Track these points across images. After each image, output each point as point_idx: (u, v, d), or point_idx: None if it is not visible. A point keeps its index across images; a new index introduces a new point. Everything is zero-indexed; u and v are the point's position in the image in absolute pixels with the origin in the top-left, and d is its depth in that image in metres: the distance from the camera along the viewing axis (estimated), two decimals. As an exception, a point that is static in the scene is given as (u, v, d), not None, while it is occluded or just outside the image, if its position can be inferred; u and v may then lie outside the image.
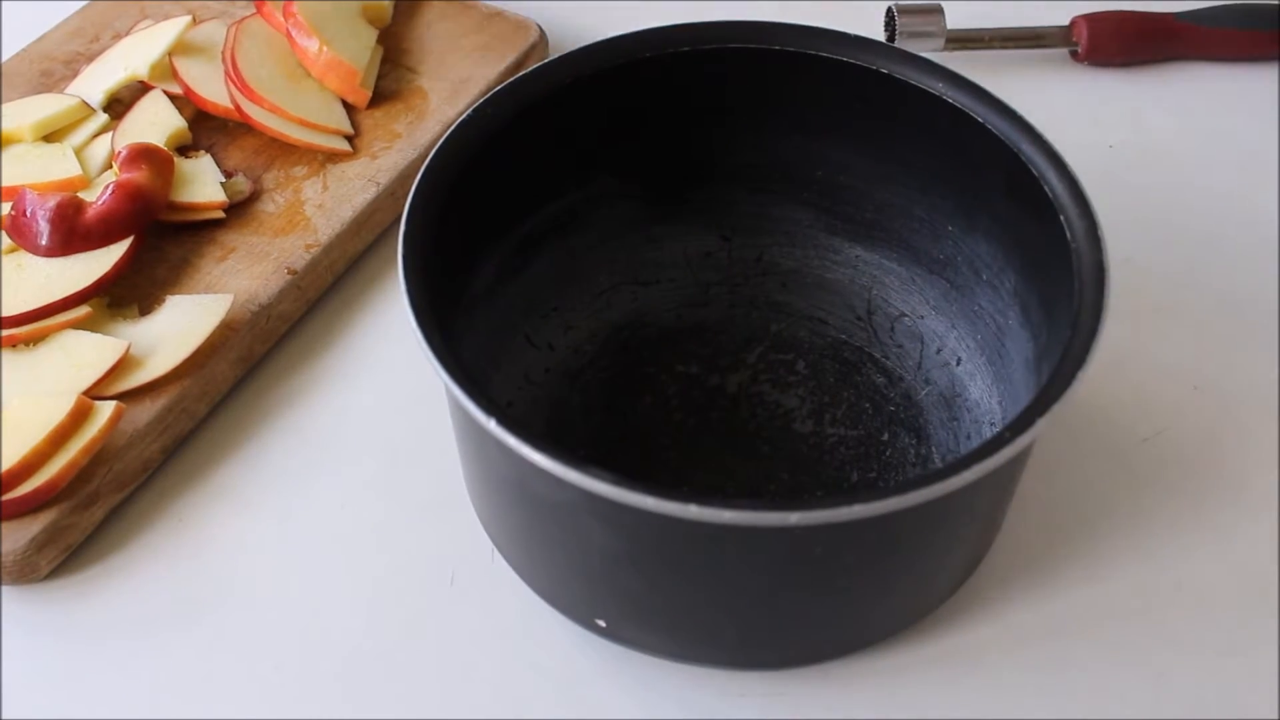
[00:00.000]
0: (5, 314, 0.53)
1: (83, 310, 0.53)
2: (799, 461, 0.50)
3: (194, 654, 0.48)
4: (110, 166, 0.59)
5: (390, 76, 0.66)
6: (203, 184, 0.59)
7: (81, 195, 0.57)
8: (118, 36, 0.67)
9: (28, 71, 0.65)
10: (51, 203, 0.55)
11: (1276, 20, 0.70)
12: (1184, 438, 0.54)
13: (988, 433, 0.50)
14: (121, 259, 0.55)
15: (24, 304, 0.53)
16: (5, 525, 0.48)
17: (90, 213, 0.55)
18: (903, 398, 0.52)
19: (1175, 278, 0.60)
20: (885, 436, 0.51)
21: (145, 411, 0.52)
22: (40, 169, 0.59)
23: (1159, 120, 0.68)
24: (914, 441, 0.51)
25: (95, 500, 0.50)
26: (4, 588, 0.49)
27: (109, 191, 0.56)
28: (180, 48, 0.63)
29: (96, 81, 0.63)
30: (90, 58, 0.66)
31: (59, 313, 0.53)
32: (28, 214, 0.55)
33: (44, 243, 0.54)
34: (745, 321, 0.55)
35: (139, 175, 0.56)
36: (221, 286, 0.56)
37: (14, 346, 0.53)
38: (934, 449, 0.50)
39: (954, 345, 0.53)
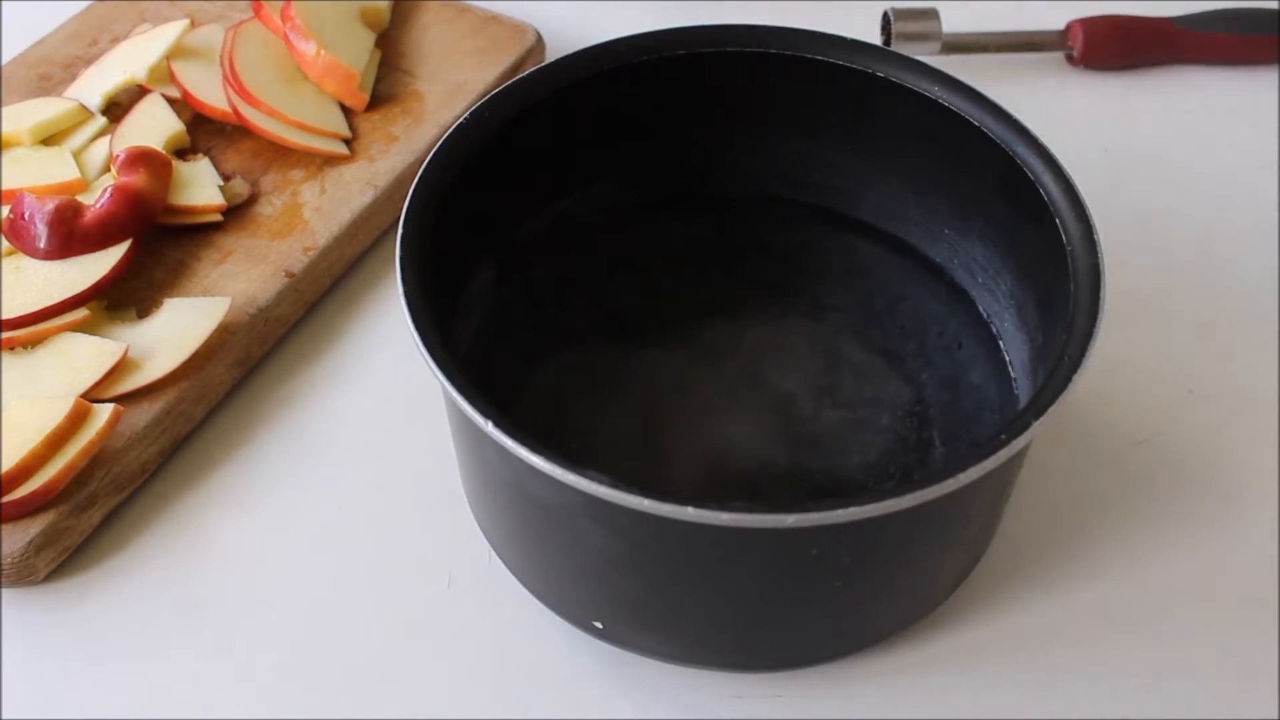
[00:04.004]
0: (4, 316, 0.53)
1: (81, 313, 0.54)
2: (798, 445, 0.50)
3: (192, 656, 0.48)
4: (108, 169, 0.59)
5: (388, 80, 0.66)
6: (200, 187, 0.59)
7: (80, 198, 0.57)
8: (116, 40, 0.67)
9: (26, 75, 0.66)
10: (50, 206, 0.55)
11: (1272, 25, 0.71)
12: (1179, 441, 0.54)
13: (988, 419, 0.50)
14: (119, 262, 0.55)
15: (22, 306, 0.53)
16: (3, 528, 0.48)
17: (88, 216, 0.55)
18: (904, 380, 0.52)
19: (1171, 281, 0.60)
20: (885, 420, 0.51)
21: (143, 414, 0.52)
22: (39, 172, 0.59)
23: (1154, 124, 0.69)
24: (915, 425, 0.50)
25: (93, 503, 0.50)
26: (2, 590, 0.49)
27: (107, 195, 0.56)
28: (178, 51, 0.64)
29: (95, 85, 0.63)
30: (88, 61, 0.66)
31: (57, 315, 0.53)
32: (26, 217, 0.55)
33: (42, 246, 0.55)
34: (744, 304, 0.55)
35: (137, 178, 0.56)
36: (219, 289, 0.56)
37: (12, 349, 0.53)
38: (935, 432, 0.50)
39: (955, 330, 0.53)
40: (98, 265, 0.55)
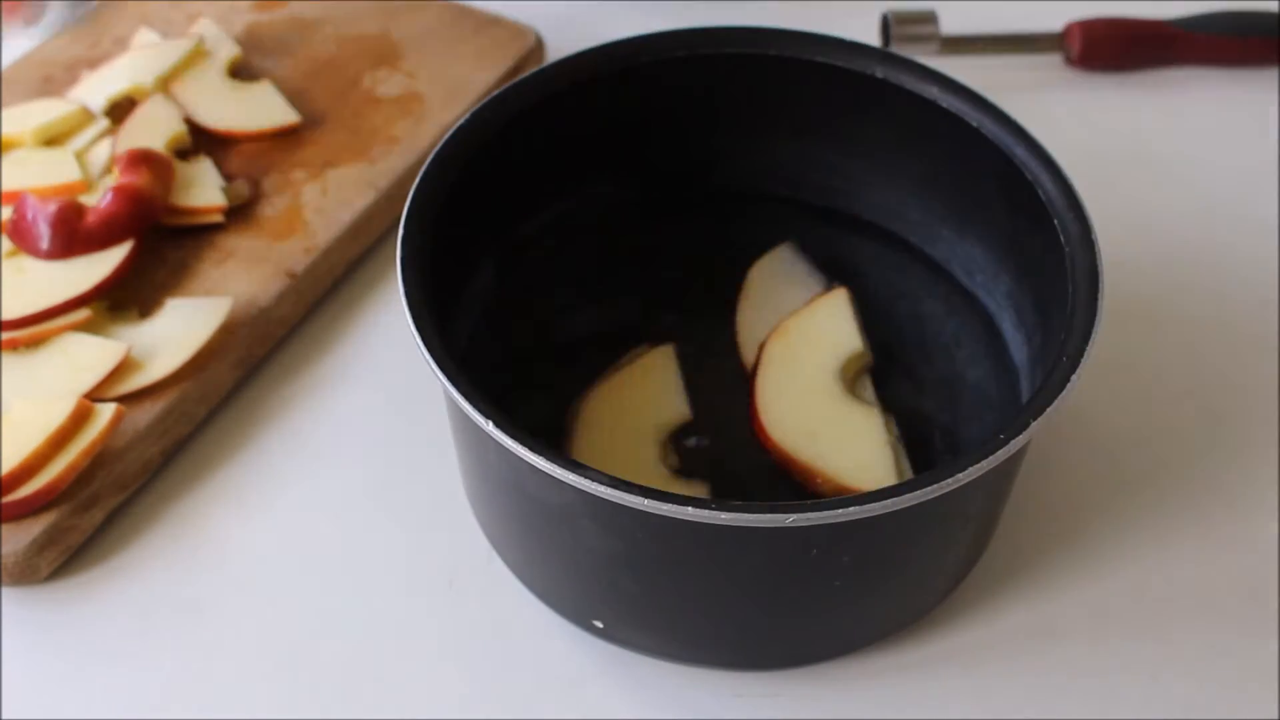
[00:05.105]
0: (7, 317, 0.53)
1: (83, 313, 0.54)
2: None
3: (194, 655, 0.48)
4: (111, 170, 0.59)
5: (389, 81, 0.66)
6: (202, 188, 0.59)
7: (83, 199, 0.57)
8: (118, 42, 0.67)
9: (29, 76, 0.66)
10: (52, 207, 0.55)
11: (1270, 27, 0.71)
12: (1178, 440, 0.54)
13: (988, 419, 0.50)
14: (122, 263, 0.55)
15: (25, 307, 0.53)
16: (6, 527, 0.48)
17: (91, 216, 0.55)
18: (903, 379, 0.52)
19: (1169, 282, 0.60)
20: (884, 418, 0.51)
21: (145, 414, 0.52)
22: (42, 173, 0.59)
23: (1153, 125, 0.69)
24: (915, 424, 0.50)
25: (95, 502, 0.50)
26: (5, 589, 0.50)
27: (109, 195, 0.56)
28: (178, 70, 0.64)
29: (100, 88, 0.63)
30: (91, 62, 0.66)
31: (60, 315, 0.53)
32: (29, 218, 0.55)
33: (45, 246, 0.55)
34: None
35: (139, 179, 0.57)
36: (221, 290, 0.56)
37: (14, 349, 0.53)
38: (934, 431, 0.50)
39: (955, 330, 0.53)
40: (100, 266, 0.55)
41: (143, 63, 0.64)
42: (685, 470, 0.49)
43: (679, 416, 0.50)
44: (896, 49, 0.69)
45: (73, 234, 0.55)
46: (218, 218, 0.59)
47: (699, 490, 0.48)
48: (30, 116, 0.61)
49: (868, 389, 0.51)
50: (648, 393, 0.51)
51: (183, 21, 0.68)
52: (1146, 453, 0.54)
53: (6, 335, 0.53)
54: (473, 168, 0.47)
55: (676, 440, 0.50)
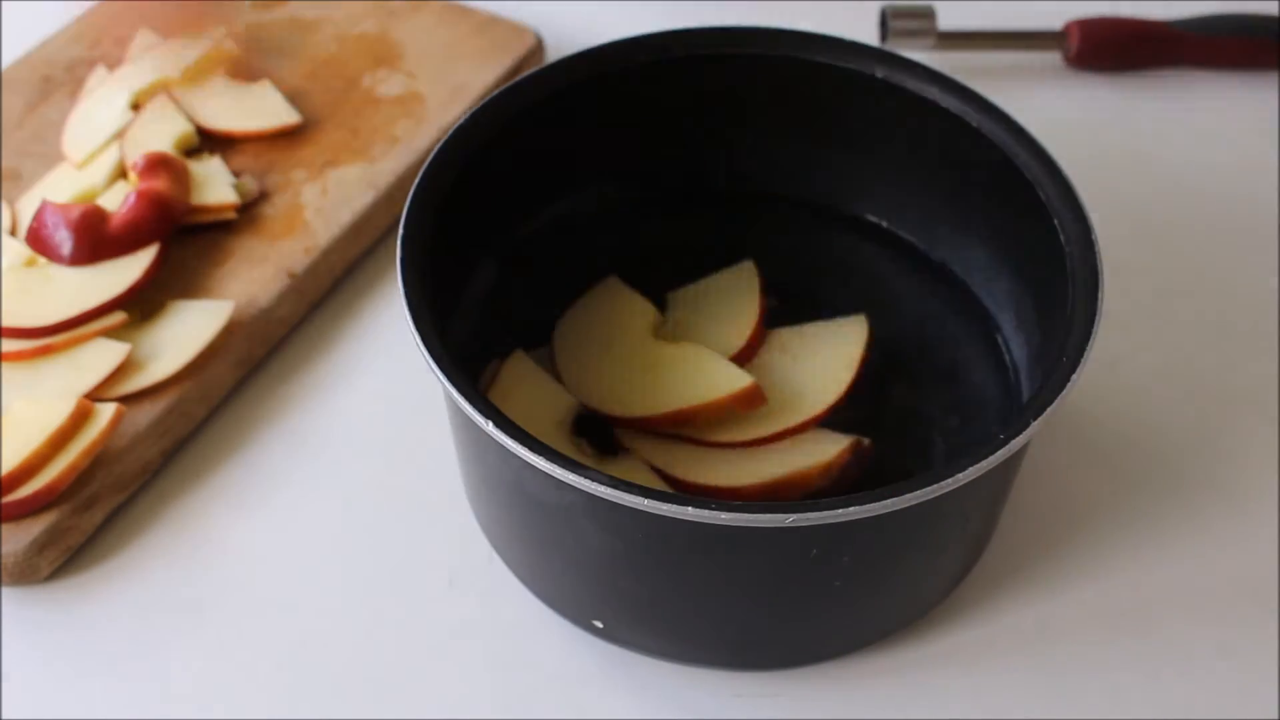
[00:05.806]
0: (41, 323, 0.53)
1: (118, 316, 0.53)
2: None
3: (194, 655, 0.48)
4: (122, 176, 0.59)
5: (389, 81, 0.66)
6: (214, 186, 0.59)
7: (97, 203, 0.57)
8: (118, 42, 0.67)
9: (28, 77, 0.66)
10: (75, 213, 0.55)
11: (1271, 30, 0.71)
12: (1178, 441, 0.54)
13: (988, 419, 0.50)
14: (152, 265, 0.55)
15: (59, 312, 0.53)
16: (6, 527, 0.48)
17: (115, 221, 0.55)
18: (903, 377, 0.52)
19: (1169, 282, 0.61)
20: (884, 418, 0.51)
21: (145, 414, 0.52)
22: (53, 182, 0.59)
23: (1153, 126, 0.69)
24: (913, 424, 0.50)
25: (95, 502, 0.50)
26: (5, 589, 0.50)
27: (131, 200, 0.56)
28: (178, 79, 0.64)
29: (124, 84, 0.63)
30: (91, 63, 0.66)
31: (94, 320, 0.53)
32: (49, 225, 0.55)
33: (67, 252, 0.54)
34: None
35: (159, 183, 0.57)
36: (221, 290, 0.56)
37: (49, 354, 0.53)
38: (935, 431, 0.50)
39: (955, 330, 0.53)
40: (130, 270, 0.54)
41: (169, 57, 0.64)
42: (607, 452, 0.49)
43: (570, 407, 0.50)
44: (894, 43, 0.69)
45: (99, 239, 0.54)
46: (231, 215, 0.59)
47: (635, 465, 0.48)
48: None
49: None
50: (530, 398, 0.50)
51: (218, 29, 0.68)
52: (1145, 453, 0.54)
53: (43, 341, 0.52)
54: (473, 168, 0.47)
55: (579, 429, 0.49)
